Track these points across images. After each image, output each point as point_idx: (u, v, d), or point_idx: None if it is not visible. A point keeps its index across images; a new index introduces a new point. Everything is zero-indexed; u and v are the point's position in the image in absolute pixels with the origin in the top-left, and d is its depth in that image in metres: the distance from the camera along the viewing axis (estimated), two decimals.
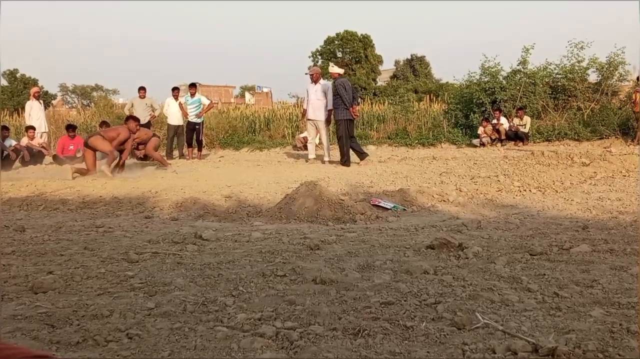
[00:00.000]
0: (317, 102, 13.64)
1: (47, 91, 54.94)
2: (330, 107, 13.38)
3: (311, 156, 14.24)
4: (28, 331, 3.07)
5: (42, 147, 15.87)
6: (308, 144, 14.65)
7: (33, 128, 16.13)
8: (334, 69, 13.68)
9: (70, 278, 4.13)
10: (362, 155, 13.16)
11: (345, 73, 17.47)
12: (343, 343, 2.86)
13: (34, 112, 16.54)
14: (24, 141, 15.54)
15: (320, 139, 14.23)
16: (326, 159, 13.70)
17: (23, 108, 19.26)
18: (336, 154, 13.67)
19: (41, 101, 17.34)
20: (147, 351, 2.80)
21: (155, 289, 3.85)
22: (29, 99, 17.09)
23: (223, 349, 2.79)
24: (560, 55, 20.65)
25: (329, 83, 13.67)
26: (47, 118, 17.61)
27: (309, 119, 14.01)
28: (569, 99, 20.14)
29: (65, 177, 11.12)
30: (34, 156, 15.02)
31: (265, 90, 57.18)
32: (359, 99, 17.63)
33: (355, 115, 13.56)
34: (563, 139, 18.33)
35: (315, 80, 13.73)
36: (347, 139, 13.22)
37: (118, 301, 3.59)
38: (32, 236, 5.86)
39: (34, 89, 17.34)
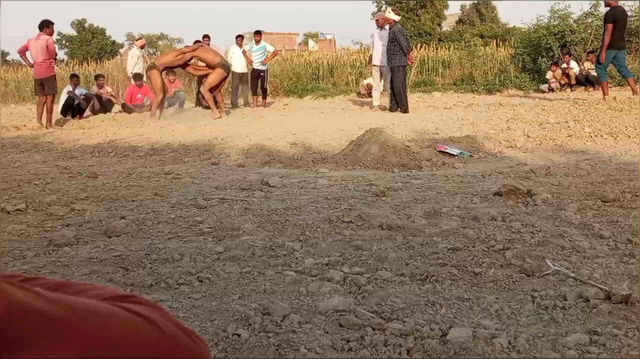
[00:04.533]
0: (382, 48, 13.47)
1: (114, 40, 55.71)
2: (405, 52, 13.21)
3: (375, 103, 14.12)
4: (103, 274, 3.18)
5: (111, 95, 16.16)
6: (373, 91, 14.54)
7: (102, 76, 16.50)
8: (391, 15, 13.49)
9: (142, 222, 4.24)
10: (403, 107, 12.98)
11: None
12: (411, 288, 2.87)
13: (140, 62, 17.09)
14: (94, 89, 15.84)
15: (385, 85, 14.12)
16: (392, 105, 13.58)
17: (92, 57, 19.77)
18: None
19: (143, 51, 17.93)
20: (218, 294, 2.86)
21: (224, 234, 3.92)
22: (132, 48, 17.71)
23: (292, 293, 2.83)
24: None
25: (395, 27, 13.40)
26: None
27: (374, 65, 13.89)
28: None
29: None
30: (104, 105, 15.32)
31: (328, 37, 56.66)
32: (412, 47, 17.37)
33: (411, 61, 13.84)
34: (636, 83, 17.70)
35: (380, 26, 13.57)
36: (405, 85, 13.21)
37: (188, 245, 3.67)
38: (104, 183, 6.02)
39: (141, 41, 17.86)
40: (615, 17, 12.10)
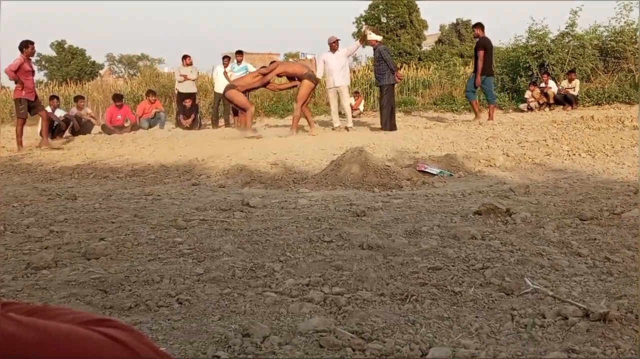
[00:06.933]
0: (340, 69, 13.62)
1: (94, 61, 55.59)
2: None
3: (336, 124, 13.96)
4: (82, 297, 3.15)
5: (91, 117, 16.10)
6: (332, 113, 14.34)
7: (82, 98, 16.44)
8: (372, 36, 13.59)
9: (122, 244, 4.21)
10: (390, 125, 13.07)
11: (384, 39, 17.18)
12: (391, 308, 2.87)
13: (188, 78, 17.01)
14: (73, 110, 15.78)
15: (342, 106, 14.06)
16: (349, 124, 13.63)
17: (72, 78, 19.56)
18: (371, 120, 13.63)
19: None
20: (197, 316, 2.84)
21: (204, 255, 3.90)
22: (182, 65, 17.49)
23: (272, 314, 2.82)
24: (609, 17, 20.12)
25: (380, 47, 13.51)
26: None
27: (329, 88, 13.91)
28: (619, 61, 19.63)
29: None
30: (83, 126, 15.25)
31: (309, 57, 56.84)
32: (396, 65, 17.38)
33: (399, 79, 13.91)
34: (613, 102, 17.90)
35: (335, 49, 13.57)
36: (394, 104, 13.36)
37: (168, 266, 3.65)
38: (83, 204, 5.99)
39: (189, 59, 17.72)
40: (486, 46, 13.76)
